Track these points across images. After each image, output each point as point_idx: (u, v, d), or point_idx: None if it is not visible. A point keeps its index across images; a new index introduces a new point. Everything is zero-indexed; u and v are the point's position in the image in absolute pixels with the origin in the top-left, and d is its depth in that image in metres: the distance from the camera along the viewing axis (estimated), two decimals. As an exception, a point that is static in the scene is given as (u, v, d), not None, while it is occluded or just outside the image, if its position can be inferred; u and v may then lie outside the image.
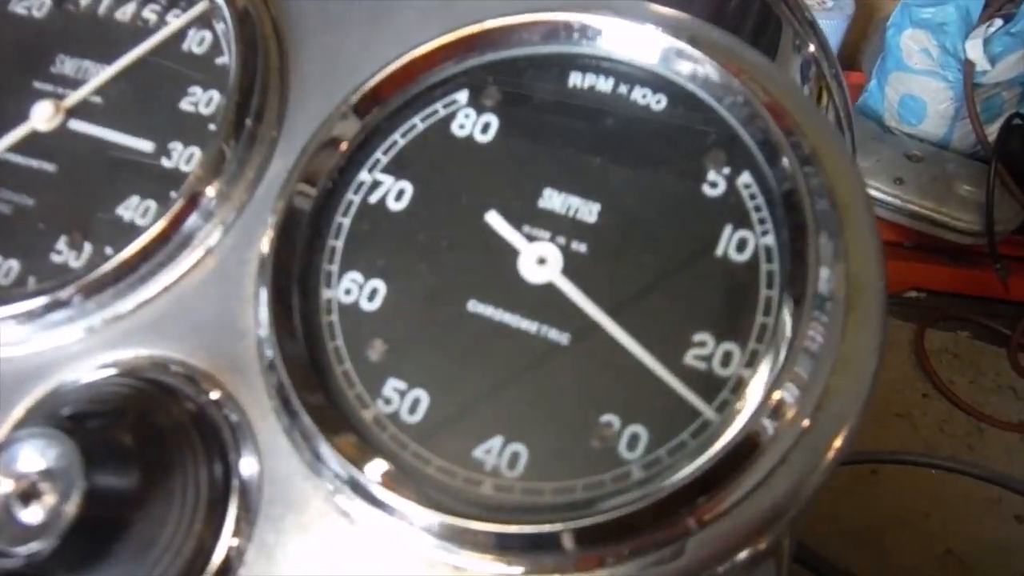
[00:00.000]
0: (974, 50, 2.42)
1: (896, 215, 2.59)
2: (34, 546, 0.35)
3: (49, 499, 0.36)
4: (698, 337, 0.39)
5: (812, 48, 0.75)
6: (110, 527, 0.37)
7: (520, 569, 0.36)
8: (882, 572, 2.14)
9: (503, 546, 0.36)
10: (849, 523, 2.03)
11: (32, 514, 0.35)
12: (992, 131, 2.55)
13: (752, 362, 0.38)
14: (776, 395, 0.36)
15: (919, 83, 2.60)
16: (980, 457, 2.38)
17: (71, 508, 0.35)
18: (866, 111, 2.87)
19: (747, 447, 0.35)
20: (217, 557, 0.39)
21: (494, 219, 0.42)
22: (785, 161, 0.39)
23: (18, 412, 0.43)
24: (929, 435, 2.42)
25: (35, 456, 0.36)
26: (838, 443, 0.37)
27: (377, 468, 0.38)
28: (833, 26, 2.75)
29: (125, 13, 0.51)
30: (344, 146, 0.44)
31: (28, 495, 0.36)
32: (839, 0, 2.79)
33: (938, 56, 2.51)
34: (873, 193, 2.57)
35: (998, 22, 2.49)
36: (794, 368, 0.36)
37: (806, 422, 0.36)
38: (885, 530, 2.29)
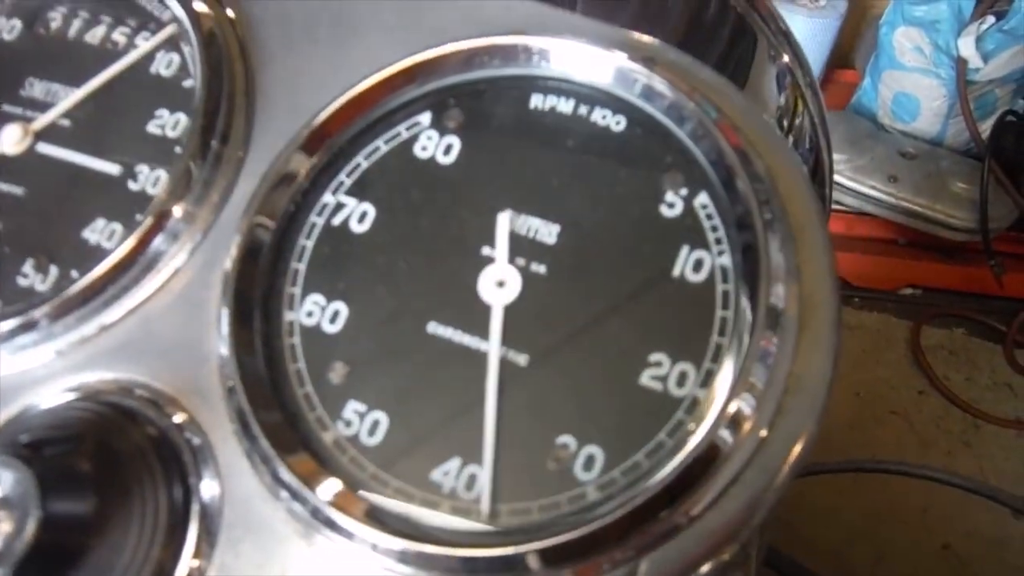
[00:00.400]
0: (967, 47, 2.41)
1: (890, 212, 2.59)
2: (-10, 573, 0.35)
3: (4, 527, 0.36)
4: (654, 357, 0.39)
5: (787, 58, 0.75)
6: (66, 554, 0.37)
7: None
8: (879, 567, 2.14)
9: (457, 570, 0.36)
10: (846, 518, 2.03)
11: (-10, 541, 0.36)
12: (985, 128, 2.55)
13: (707, 382, 0.38)
14: (730, 410, 0.36)
15: (912, 81, 2.59)
16: (976, 454, 2.39)
17: (26, 537, 0.35)
18: (860, 109, 2.86)
19: (703, 464, 0.36)
20: (181, 573, 0.39)
21: (503, 221, 0.42)
22: (739, 182, 0.39)
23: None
24: (925, 432, 2.41)
25: (-6, 483, 0.36)
26: (793, 458, 0.37)
27: (334, 490, 0.39)
28: (826, 25, 2.74)
29: (95, 36, 0.51)
30: (307, 168, 0.45)
31: (-15, 522, 0.36)
32: (832, -2, 2.76)
33: (931, 54, 2.50)
34: (867, 191, 2.57)
35: (991, 19, 2.48)
36: (749, 381, 0.36)
37: (763, 432, 0.36)
38: (882, 525, 2.29)
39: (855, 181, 2.61)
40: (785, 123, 0.77)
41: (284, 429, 0.40)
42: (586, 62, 0.43)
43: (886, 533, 2.27)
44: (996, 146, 2.49)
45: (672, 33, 0.76)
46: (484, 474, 0.38)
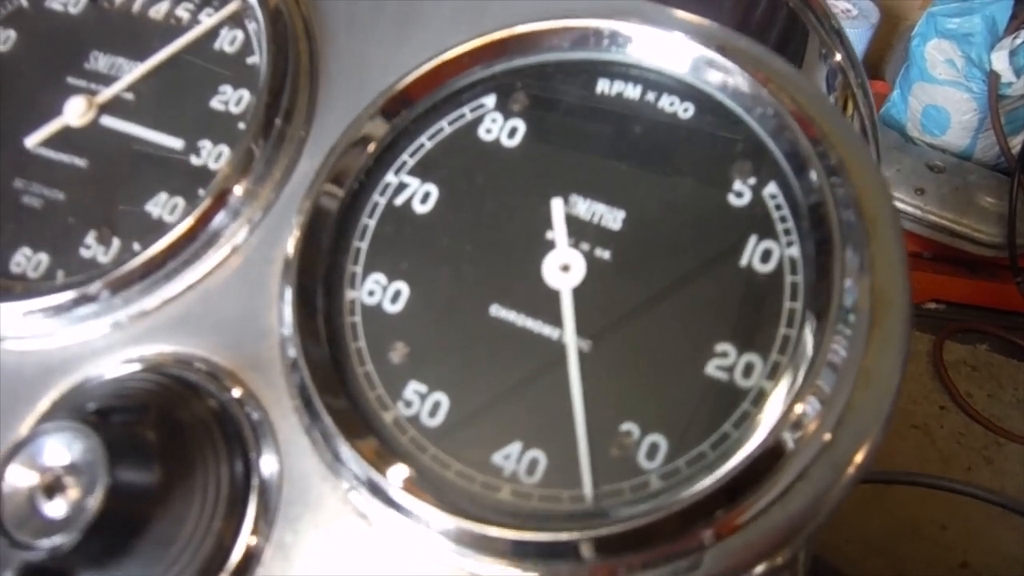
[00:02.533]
0: (999, 61, 2.39)
1: (916, 225, 2.57)
2: (57, 540, 0.35)
3: (73, 493, 0.36)
4: (720, 347, 0.39)
5: (839, 57, 0.74)
6: (131, 523, 0.37)
7: (534, 574, 0.36)
8: (898, 585, 2.11)
9: (519, 553, 0.36)
10: (865, 533, 2.01)
11: (56, 508, 0.36)
12: (1016, 143, 2.52)
13: (774, 374, 0.38)
14: (797, 408, 0.35)
15: (943, 94, 2.57)
16: (998, 471, 2.36)
17: (94, 503, 0.35)
18: (888, 121, 2.84)
19: (767, 461, 0.35)
20: (236, 555, 0.39)
21: (557, 206, 0.41)
22: (812, 172, 0.39)
23: (43, 405, 0.43)
24: (946, 447, 2.39)
25: (60, 450, 0.36)
26: (859, 459, 0.36)
27: (397, 471, 0.38)
28: (858, 34, 2.73)
29: (159, 11, 0.51)
30: (372, 147, 0.44)
31: (52, 488, 0.36)
32: (864, 8, 2.76)
33: (963, 67, 2.48)
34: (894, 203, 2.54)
35: (1024, 34, 2.45)
36: (816, 381, 0.35)
37: (827, 436, 0.36)
38: (901, 541, 2.27)
39: (882, 193, 2.58)
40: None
41: (345, 407, 0.40)
42: (659, 48, 0.43)
43: (904, 549, 2.25)
44: (1025, 161, 2.44)
45: (726, 24, 0.76)
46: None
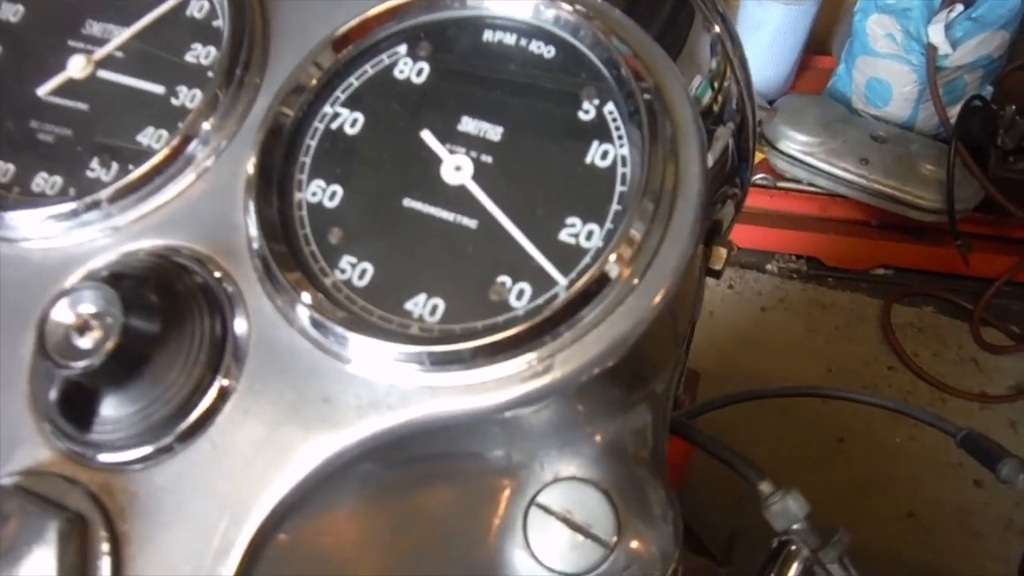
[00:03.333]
0: (936, 35, 2.59)
1: (862, 194, 2.76)
2: (86, 362, 0.51)
3: (95, 333, 0.52)
4: (570, 220, 0.56)
5: (718, 29, 0.92)
6: (139, 357, 0.54)
7: (434, 380, 0.53)
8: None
9: (422, 362, 0.53)
10: (817, 492, 2.20)
11: (86, 341, 0.52)
12: (953, 113, 2.71)
13: (607, 238, 0.55)
14: (615, 254, 0.52)
15: (884, 67, 2.76)
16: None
17: (113, 337, 0.51)
18: (835, 94, 3.04)
19: (594, 291, 0.52)
20: (216, 383, 0.55)
21: (427, 136, 0.59)
22: (635, 94, 0.56)
23: (64, 285, 0.60)
24: (894, 407, 2.56)
25: (88, 303, 0.53)
26: (663, 291, 0.53)
27: (336, 315, 0.55)
28: (803, 12, 2.91)
29: (140, -14, 0.68)
30: (312, 84, 0.61)
31: (82, 328, 0.52)
32: (809, -14, 2.91)
33: (902, 41, 2.67)
34: (840, 173, 2.73)
35: (959, 7, 2.65)
36: (630, 233, 0.52)
37: (640, 276, 0.53)
38: (851, 496, 2.47)
39: (828, 164, 2.77)
40: (715, 85, 0.94)
41: (296, 276, 0.57)
42: (527, 6, 0.60)
43: (855, 504, 2.44)
44: (963, 130, 2.65)
45: (618, 2, 0.94)
46: (443, 304, 0.55)
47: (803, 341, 2.60)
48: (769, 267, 2.78)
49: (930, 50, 2.67)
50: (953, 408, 2.65)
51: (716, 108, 0.90)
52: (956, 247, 2.67)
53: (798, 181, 2.75)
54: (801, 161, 2.64)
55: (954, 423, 1.17)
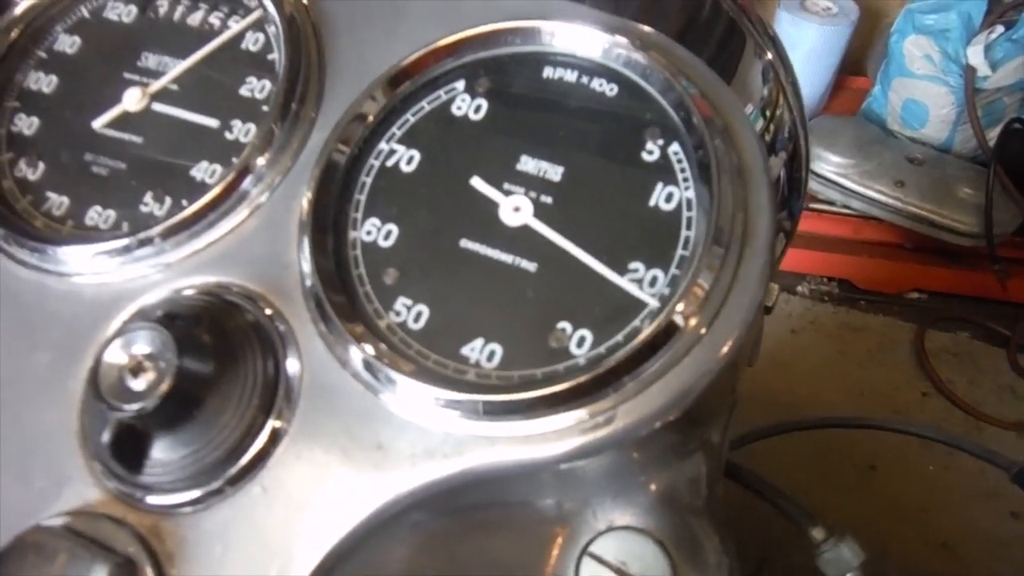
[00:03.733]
0: (975, 56, 2.54)
1: (897, 217, 2.71)
2: (140, 405, 0.50)
3: (149, 375, 0.51)
4: (633, 265, 0.54)
5: (770, 56, 0.90)
6: (191, 399, 0.52)
7: (491, 430, 0.51)
8: (880, 561, 2.26)
9: (478, 411, 0.51)
10: (848, 517, 2.15)
11: (139, 383, 0.51)
12: (992, 136, 2.66)
13: (672, 284, 0.53)
14: (683, 303, 0.50)
15: (921, 88, 2.72)
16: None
17: (167, 380, 0.50)
18: (870, 115, 2.99)
19: (660, 342, 0.50)
20: (268, 428, 0.54)
21: (477, 182, 0.57)
22: (702, 135, 0.54)
23: (116, 323, 0.59)
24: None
25: (142, 343, 0.51)
26: (731, 341, 0.51)
27: (391, 360, 0.53)
28: (838, 32, 2.87)
29: (195, 19, 0.67)
30: (368, 121, 0.60)
31: (136, 370, 0.51)
32: (844, 7, 2.91)
33: (940, 62, 2.63)
34: (874, 195, 2.69)
35: (1000, 28, 2.60)
36: (697, 281, 0.50)
37: (707, 326, 0.51)
38: (883, 523, 2.41)
39: (863, 185, 2.73)
40: (767, 113, 0.92)
41: (350, 317, 0.55)
42: (589, 43, 0.58)
43: (886, 529, 2.39)
44: (1002, 153, 2.60)
45: (670, 30, 0.92)
46: (501, 350, 0.53)
47: (834, 364, 2.56)
48: (800, 289, 2.74)
49: (969, 71, 2.62)
50: (989, 437, 2.59)
51: (768, 137, 0.88)
52: (994, 272, 2.61)
53: (831, 203, 2.72)
54: (834, 183, 2.60)
55: (1006, 456, 1.13)
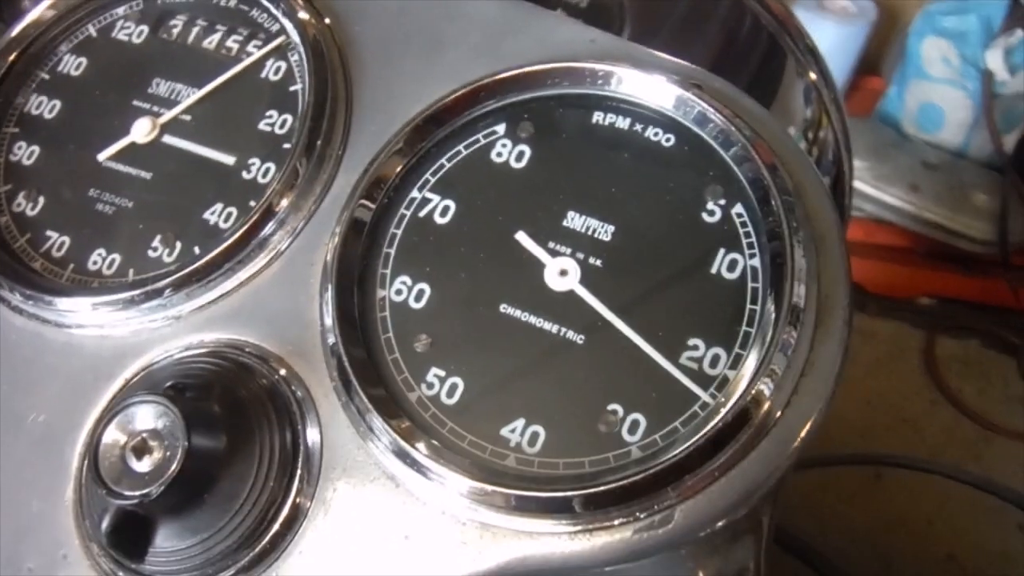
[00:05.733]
0: (994, 60, 2.46)
1: (910, 222, 2.64)
2: (144, 491, 0.44)
3: (156, 455, 0.45)
4: (692, 342, 0.48)
5: (813, 76, 0.83)
6: (202, 480, 0.46)
7: (533, 525, 0.45)
8: (884, 575, 2.21)
9: (521, 508, 0.45)
10: (853, 525, 2.10)
11: (142, 465, 0.45)
12: (1009, 141, 2.58)
13: (736, 364, 0.47)
14: (753, 393, 0.44)
15: (938, 91, 2.63)
16: (987, 465, 2.44)
17: (175, 463, 0.44)
18: (884, 117, 2.91)
19: (726, 435, 0.44)
20: (285, 509, 0.48)
21: (523, 238, 0.51)
22: (771, 197, 0.48)
23: (119, 381, 0.52)
24: (935, 442, 2.47)
25: (146, 418, 0.45)
26: (803, 434, 0.45)
27: (421, 442, 0.47)
28: (855, 32, 2.79)
29: (211, 42, 0.60)
30: (399, 167, 0.53)
31: (140, 449, 0.45)
32: (862, 6, 2.82)
33: (958, 65, 2.55)
34: (888, 199, 2.62)
35: (1019, 32, 2.52)
36: (770, 368, 0.44)
37: (777, 414, 0.45)
38: (888, 534, 2.36)
39: (876, 189, 2.66)
40: (810, 135, 0.85)
41: (377, 388, 0.49)
42: (645, 87, 0.51)
43: (891, 541, 2.34)
44: (1019, 159, 2.53)
45: (710, 49, 0.85)
46: (544, 433, 0.47)
47: (841, 368, 2.49)
48: (810, 292, 2.66)
49: (986, 76, 2.54)
50: (998, 448, 2.54)
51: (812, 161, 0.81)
52: (1007, 281, 2.55)
53: (844, 205, 2.64)
54: (849, 186, 2.53)
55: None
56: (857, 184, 2.56)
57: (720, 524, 0.45)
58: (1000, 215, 2.43)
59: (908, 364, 2.61)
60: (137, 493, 0.44)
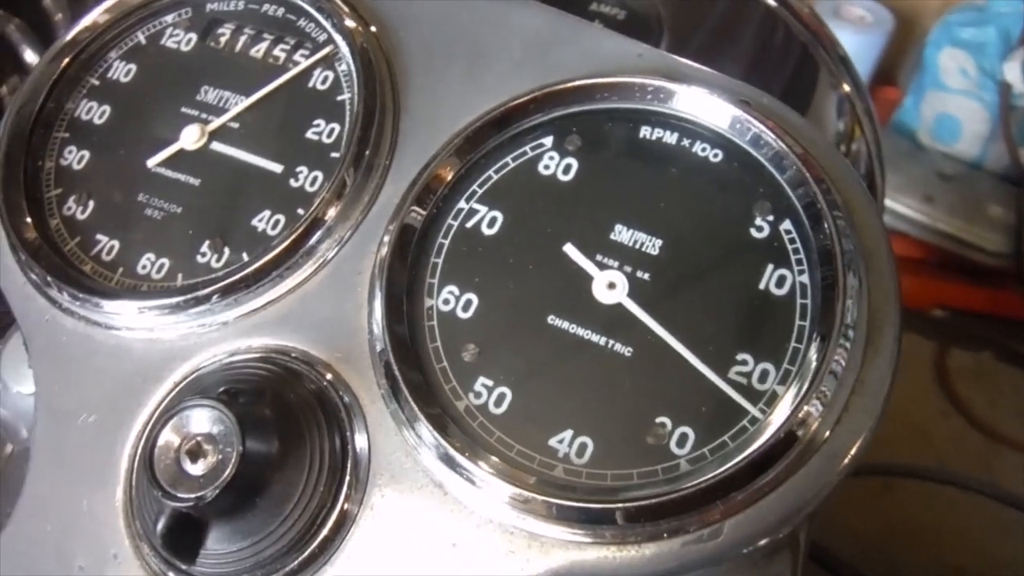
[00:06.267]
0: (1012, 72, 2.46)
1: (924, 233, 2.63)
2: (199, 493, 0.44)
3: (211, 459, 0.45)
4: (741, 356, 0.48)
5: (847, 87, 0.83)
6: (254, 484, 0.46)
7: (581, 536, 0.45)
8: (895, 584, 2.19)
9: (570, 518, 0.45)
10: (862, 535, 2.10)
11: (197, 468, 0.45)
12: (1026, 154, 2.56)
13: (785, 380, 0.47)
14: (803, 409, 0.44)
15: (955, 102, 2.63)
16: (996, 477, 2.43)
17: (230, 467, 0.44)
18: (900, 127, 2.90)
19: (776, 452, 0.44)
20: (334, 514, 0.48)
21: (571, 251, 0.51)
22: (820, 213, 0.48)
23: (167, 385, 0.53)
24: (944, 452, 2.46)
25: (201, 422, 0.46)
26: (852, 453, 0.45)
27: (469, 450, 0.48)
28: (872, 41, 2.79)
29: (259, 51, 0.60)
30: (448, 178, 0.54)
31: (195, 453, 0.45)
32: (879, 16, 2.82)
33: (976, 76, 2.54)
34: (902, 210, 2.61)
35: (1038, 45, 2.50)
36: (820, 387, 0.44)
37: (827, 433, 0.45)
38: (897, 544, 2.35)
39: (890, 199, 2.65)
40: (843, 148, 0.85)
41: (425, 396, 0.49)
42: (694, 103, 0.52)
43: (900, 552, 2.33)
44: (1035, 172, 2.50)
45: (744, 60, 0.85)
46: (592, 444, 0.47)
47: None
48: (824, 301, 2.65)
49: (1004, 88, 2.54)
50: (1007, 460, 2.53)
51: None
52: (1021, 293, 2.54)
53: (858, 215, 2.63)
54: (863, 195, 2.52)
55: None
56: (871, 194, 2.54)
57: (768, 540, 0.45)
58: (1015, 228, 2.43)
59: (919, 374, 2.60)
60: (192, 496, 0.44)
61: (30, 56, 0.85)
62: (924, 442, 2.47)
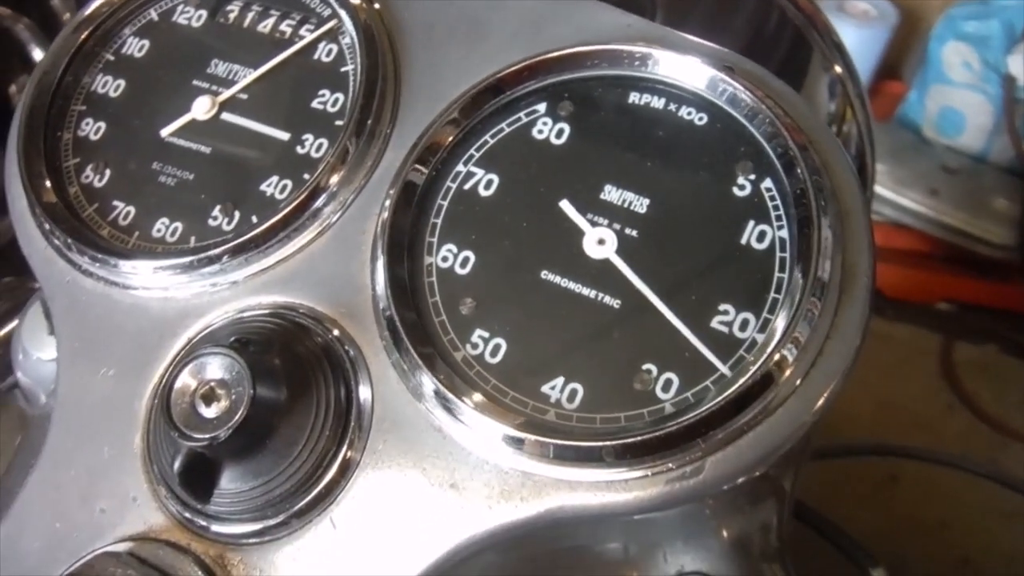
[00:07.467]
0: (1016, 65, 2.48)
1: (929, 226, 2.65)
2: (212, 435, 0.48)
3: (223, 403, 0.49)
4: (723, 307, 0.51)
5: (839, 69, 0.86)
6: (265, 427, 0.50)
7: (572, 474, 0.49)
8: (899, 578, 2.20)
9: (561, 456, 0.49)
10: (867, 527, 2.11)
11: (211, 411, 0.49)
12: (1031, 147, 2.58)
13: (764, 328, 0.50)
14: (780, 354, 0.48)
15: (959, 96, 2.65)
16: (1003, 471, 2.43)
17: (241, 409, 0.48)
18: (904, 121, 2.93)
19: (754, 392, 0.47)
20: (339, 458, 0.52)
21: (566, 206, 0.54)
22: (799, 171, 0.51)
23: (182, 340, 0.56)
24: (951, 447, 2.47)
25: (214, 368, 0.49)
26: (827, 394, 0.48)
27: (466, 395, 0.51)
28: (876, 35, 2.82)
29: (266, 26, 0.64)
30: (446, 142, 0.57)
31: (208, 397, 0.49)
32: (883, 9, 2.84)
33: (979, 70, 2.57)
34: (907, 203, 2.63)
35: (1042, 38, 2.52)
36: (795, 334, 0.48)
37: (802, 377, 0.48)
38: (903, 536, 2.37)
39: (895, 193, 2.67)
40: (834, 128, 0.88)
41: (425, 347, 0.53)
42: (679, 68, 0.55)
43: (906, 544, 2.35)
44: (1040, 165, 2.52)
45: (737, 40, 0.89)
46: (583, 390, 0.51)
47: (857, 374, 2.51)
48: (828, 295, 2.67)
49: (1008, 81, 2.56)
50: (1013, 453, 2.54)
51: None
52: (1026, 286, 2.54)
53: (863, 209, 2.65)
54: (868, 189, 2.55)
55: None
56: (876, 187, 2.57)
57: (747, 477, 0.48)
58: (1020, 220, 2.45)
59: (925, 368, 2.62)
60: (207, 436, 0.48)
61: (38, 55, 0.89)
62: (931, 436, 2.48)
